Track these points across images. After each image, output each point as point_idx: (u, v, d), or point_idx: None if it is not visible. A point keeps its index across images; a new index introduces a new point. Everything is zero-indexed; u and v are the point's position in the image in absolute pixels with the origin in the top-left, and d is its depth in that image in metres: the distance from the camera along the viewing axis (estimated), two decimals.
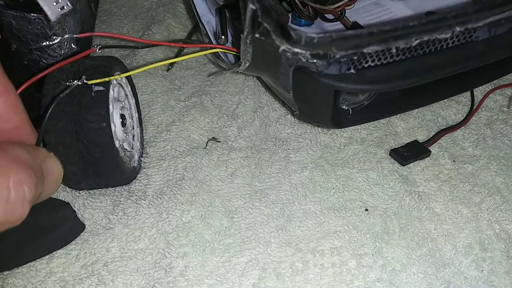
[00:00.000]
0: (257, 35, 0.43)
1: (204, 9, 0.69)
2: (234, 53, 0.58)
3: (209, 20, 0.69)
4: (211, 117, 0.76)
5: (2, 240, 0.55)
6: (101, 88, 0.58)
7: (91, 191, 0.66)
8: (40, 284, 0.56)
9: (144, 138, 0.74)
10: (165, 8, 0.98)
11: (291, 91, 0.49)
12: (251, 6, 0.41)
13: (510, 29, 0.46)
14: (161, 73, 0.85)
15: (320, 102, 0.48)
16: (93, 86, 0.58)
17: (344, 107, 0.51)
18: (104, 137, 0.57)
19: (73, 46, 0.79)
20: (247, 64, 0.49)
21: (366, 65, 0.43)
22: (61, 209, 0.58)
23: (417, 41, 0.38)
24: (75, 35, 0.77)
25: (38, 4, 0.64)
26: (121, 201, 0.65)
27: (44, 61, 0.78)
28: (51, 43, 0.76)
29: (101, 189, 0.66)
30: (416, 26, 0.37)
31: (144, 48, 0.86)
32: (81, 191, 0.66)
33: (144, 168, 0.69)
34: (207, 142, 0.72)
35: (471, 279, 0.55)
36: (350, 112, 0.51)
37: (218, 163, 0.69)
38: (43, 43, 0.76)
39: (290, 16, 0.76)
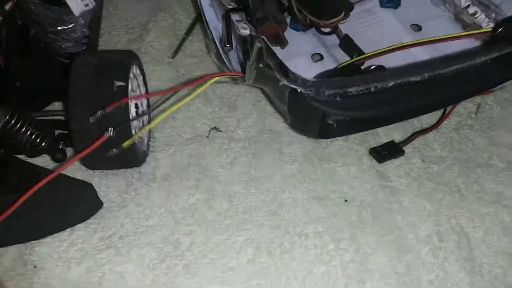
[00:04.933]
0: (261, 65, 0.51)
1: (211, 16, 0.75)
2: (239, 76, 0.65)
3: (216, 26, 0.75)
4: (213, 107, 0.84)
5: (28, 214, 0.63)
6: (122, 83, 0.65)
7: (104, 171, 0.74)
8: (63, 253, 0.65)
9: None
10: None
11: (286, 107, 0.58)
12: (258, 45, 0.49)
13: (475, 66, 0.55)
14: (167, 60, 0.91)
15: (310, 118, 0.57)
16: (114, 81, 0.65)
17: (330, 121, 0.59)
18: (126, 124, 0.64)
19: (84, 30, 0.84)
20: (250, 82, 0.57)
21: (350, 94, 0.52)
22: (83, 189, 0.67)
23: (392, 83, 0.47)
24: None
25: None
26: (133, 182, 0.73)
27: (58, 43, 0.83)
28: (66, 27, 0.81)
29: (113, 170, 0.74)
30: (392, 75, 0.46)
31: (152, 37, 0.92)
32: (95, 171, 0.74)
33: (153, 152, 0.78)
34: (210, 131, 0.81)
35: (427, 264, 0.66)
36: (335, 126, 0.59)
37: (219, 152, 0.78)
38: (58, 27, 0.81)
39: (288, 20, 0.82)
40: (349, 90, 0.47)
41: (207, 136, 0.80)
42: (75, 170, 0.74)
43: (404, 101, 0.55)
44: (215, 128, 0.81)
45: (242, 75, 0.59)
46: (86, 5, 0.70)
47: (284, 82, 0.47)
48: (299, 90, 0.49)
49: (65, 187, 0.65)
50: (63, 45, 0.83)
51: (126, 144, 0.61)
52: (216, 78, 0.67)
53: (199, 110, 0.83)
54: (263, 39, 0.48)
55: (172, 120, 0.81)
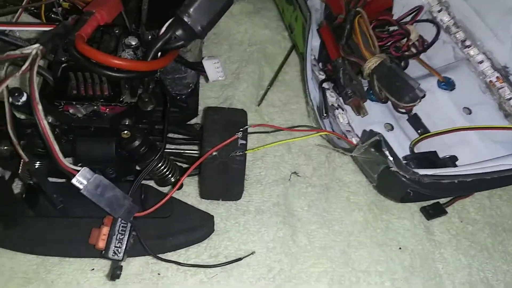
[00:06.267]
0: (372, 149, 0.70)
1: (311, 87, 0.93)
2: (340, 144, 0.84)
3: (314, 96, 0.93)
4: (293, 155, 1.02)
5: (162, 234, 0.82)
6: (244, 141, 0.83)
7: (210, 201, 0.92)
8: (181, 266, 0.83)
9: None
10: (257, 47, 1.20)
11: (377, 176, 0.76)
12: (376, 138, 0.68)
13: None
14: (254, 107, 1.10)
15: (396, 188, 0.75)
16: (239, 139, 0.83)
17: (408, 190, 0.78)
18: (241, 171, 0.83)
19: (193, 77, 1.02)
20: (355, 155, 0.76)
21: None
22: (207, 218, 0.85)
23: (471, 179, 0.67)
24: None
25: (202, 66, 0.87)
26: (232, 212, 0.92)
27: (174, 87, 1.01)
28: (181, 75, 1.00)
29: (217, 201, 0.93)
30: (473, 175, 0.66)
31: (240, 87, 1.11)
32: (202, 200, 0.92)
33: (246, 187, 0.96)
34: (291, 175, 0.99)
35: None
36: (411, 194, 0.78)
37: (300, 194, 0.96)
38: (176, 75, 0.99)
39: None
40: (441, 181, 0.67)
41: (289, 180, 0.98)
42: (187, 196, 0.92)
43: (473, 189, 0.75)
44: (295, 173, 1.00)
45: (353, 143, 0.77)
46: (221, 76, 0.87)
47: (395, 168, 0.66)
48: (398, 172, 0.68)
49: (194, 215, 0.84)
50: (175, 88, 1.01)
51: None
52: (323, 133, 0.87)
53: (283, 156, 1.02)
54: (382, 135, 0.67)
55: (261, 162, 1.00)
